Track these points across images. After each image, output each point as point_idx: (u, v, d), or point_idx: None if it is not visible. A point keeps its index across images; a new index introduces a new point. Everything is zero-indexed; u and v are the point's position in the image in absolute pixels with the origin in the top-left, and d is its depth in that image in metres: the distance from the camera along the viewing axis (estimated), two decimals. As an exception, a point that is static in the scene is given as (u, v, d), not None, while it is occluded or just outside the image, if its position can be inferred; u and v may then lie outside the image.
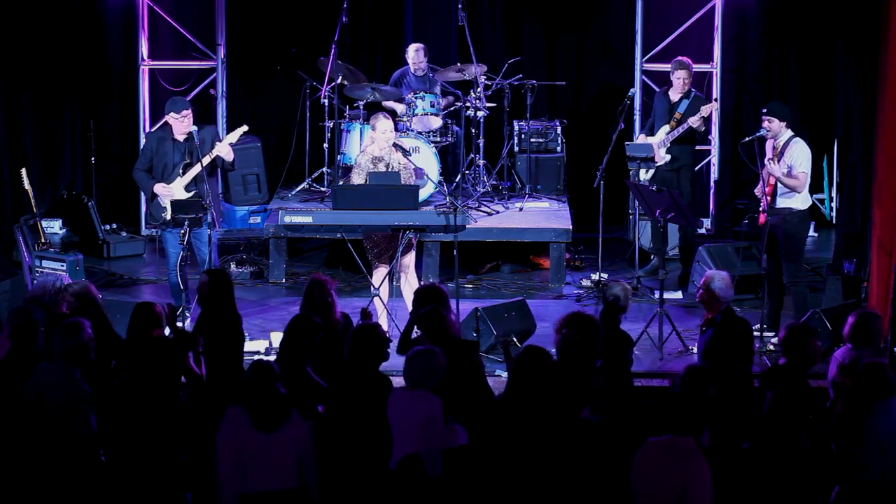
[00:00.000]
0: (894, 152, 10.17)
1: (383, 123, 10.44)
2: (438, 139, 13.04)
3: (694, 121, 11.92)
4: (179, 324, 9.87)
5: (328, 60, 12.82)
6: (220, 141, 10.74)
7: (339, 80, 12.94)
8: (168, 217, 10.55)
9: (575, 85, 14.57)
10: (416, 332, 8.36)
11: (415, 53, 13.33)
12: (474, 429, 7.20)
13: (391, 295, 10.52)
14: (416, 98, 12.97)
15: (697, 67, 12.87)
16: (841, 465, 7.10)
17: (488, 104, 13.15)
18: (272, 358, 8.22)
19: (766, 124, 10.34)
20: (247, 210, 13.79)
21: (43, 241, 11.39)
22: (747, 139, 10.36)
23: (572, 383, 7.23)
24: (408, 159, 10.60)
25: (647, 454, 6.47)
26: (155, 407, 7.66)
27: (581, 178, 13.29)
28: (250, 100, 14.54)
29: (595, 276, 12.01)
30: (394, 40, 14.43)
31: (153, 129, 12.57)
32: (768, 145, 10.42)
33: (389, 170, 10.39)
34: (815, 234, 13.74)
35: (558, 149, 13.79)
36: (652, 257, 12.46)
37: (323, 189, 13.17)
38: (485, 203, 12.96)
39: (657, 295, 10.47)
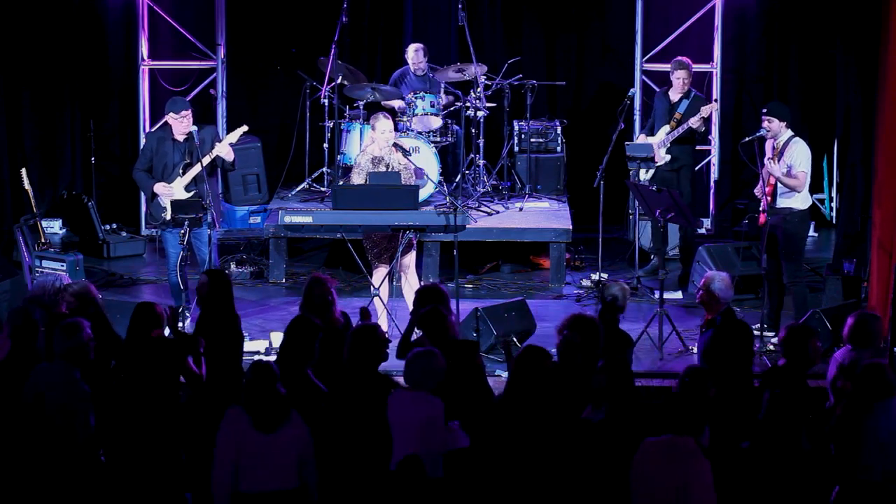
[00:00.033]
0: (894, 152, 10.17)
1: (383, 123, 10.44)
2: (438, 139, 13.04)
3: (694, 121, 11.92)
4: (180, 324, 9.88)
5: (328, 60, 12.82)
6: (220, 141, 10.75)
7: (339, 80, 12.94)
8: (168, 217, 10.55)
9: (575, 85, 14.57)
10: (416, 333, 8.36)
11: (414, 54, 13.33)
12: (475, 429, 7.20)
13: (391, 295, 10.52)
14: (416, 98, 12.97)
15: (697, 67, 12.87)
16: (841, 465, 7.10)
17: (488, 104, 13.15)
18: (272, 358, 8.22)
19: (765, 124, 10.34)
20: (247, 210, 13.79)
21: (43, 241, 11.39)
22: (747, 139, 10.36)
23: (573, 384, 7.23)
24: (408, 159, 10.60)
25: (646, 454, 6.47)
26: (155, 407, 7.66)
27: (581, 178, 13.29)
28: (250, 100, 14.54)
29: (595, 276, 12.01)
30: (394, 40, 14.43)
31: (153, 129, 12.57)
32: (768, 145, 10.42)
33: (389, 170, 10.38)
34: (815, 234, 13.73)
35: (558, 149, 13.79)
36: (652, 257, 12.45)
37: (323, 189, 13.17)
38: (485, 203, 12.96)
39: (657, 295, 10.47)
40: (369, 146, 10.61)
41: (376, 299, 10.19)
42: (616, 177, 12.31)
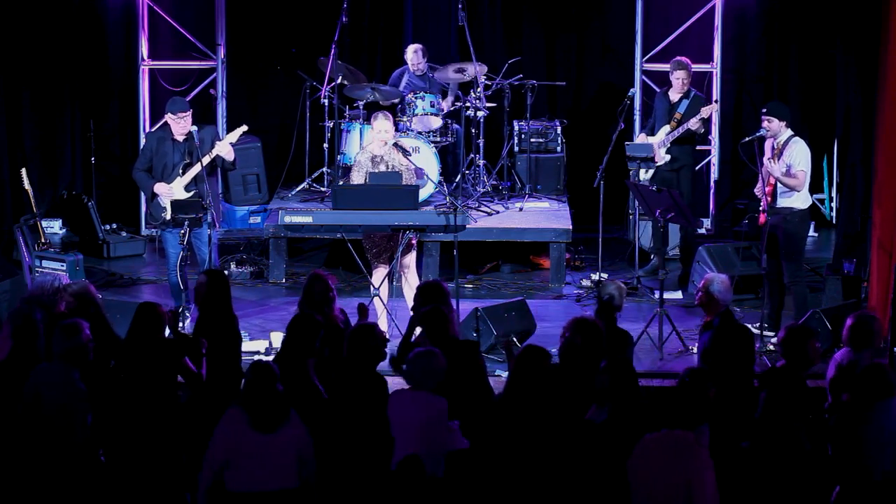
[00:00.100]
0: (894, 152, 10.17)
1: (380, 123, 10.43)
2: (438, 139, 13.04)
3: (693, 123, 11.92)
4: (179, 324, 9.87)
5: (328, 60, 12.82)
6: (220, 140, 10.74)
7: (339, 80, 12.94)
8: (168, 217, 10.55)
9: (575, 85, 14.57)
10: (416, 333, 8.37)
11: (413, 54, 13.33)
12: (475, 429, 7.20)
13: (391, 295, 10.52)
14: (416, 98, 12.97)
15: (697, 67, 12.87)
16: (841, 466, 7.10)
17: (488, 104, 13.15)
18: (272, 358, 8.22)
19: (765, 124, 10.34)
20: (247, 210, 13.79)
21: (43, 241, 11.39)
22: (747, 139, 10.36)
23: (575, 386, 7.23)
24: (408, 159, 10.60)
25: (644, 450, 6.47)
26: (154, 407, 7.66)
27: (581, 178, 13.29)
28: (250, 100, 14.54)
29: (595, 276, 12.01)
30: (394, 40, 14.43)
31: (153, 129, 12.57)
32: (767, 144, 10.42)
33: (389, 169, 10.38)
34: (815, 234, 13.73)
35: (558, 149, 13.79)
36: (652, 257, 12.46)
37: (323, 189, 13.17)
38: (485, 203, 12.96)
39: (657, 295, 10.47)
40: (369, 145, 10.62)
41: (376, 299, 10.19)
42: (616, 177, 12.31)
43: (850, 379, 7.31)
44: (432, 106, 12.97)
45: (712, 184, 14.09)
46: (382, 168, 10.40)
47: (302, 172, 13.53)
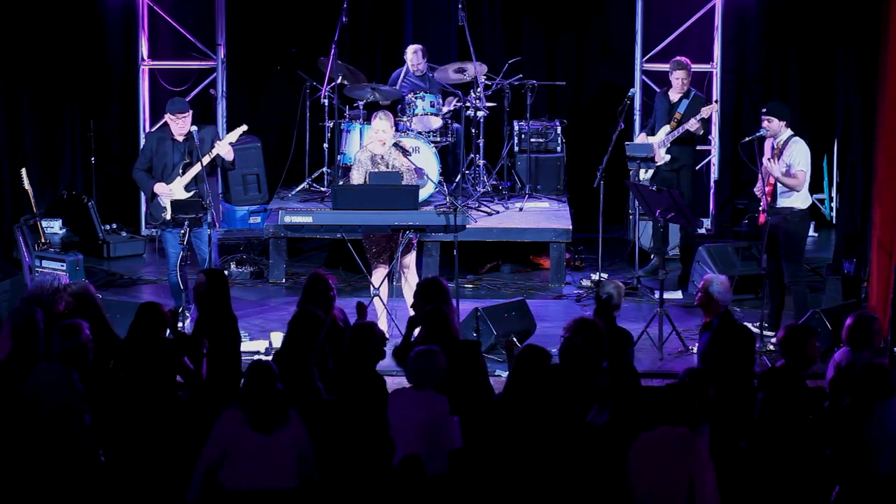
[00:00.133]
0: (894, 152, 10.17)
1: (378, 123, 10.43)
2: (438, 139, 13.04)
3: (692, 124, 11.91)
4: (179, 324, 9.88)
5: (328, 60, 12.82)
6: (220, 140, 10.74)
7: (339, 80, 12.94)
8: (168, 217, 10.55)
9: (575, 85, 14.57)
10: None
11: (413, 55, 13.33)
12: (475, 428, 7.20)
13: (391, 295, 10.52)
14: (416, 98, 12.97)
15: (697, 67, 12.86)
16: (841, 465, 7.10)
17: (488, 104, 13.15)
18: (272, 357, 8.22)
19: (765, 124, 10.34)
20: (247, 210, 13.79)
21: (43, 241, 11.39)
22: (747, 139, 10.36)
23: (575, 387, 7.23)
24: (408, 159, 10.60)
25: (642, 447, 6.47)
26: (154, 407, 7.66)
27: (581, 178, 13.29)
28: (250, 100, 14.54)
29: (595, 276, 12.01)
30: (394, 40, 14.43)
31: (153, 129, 12.57)
32: (767, 144, 10.43)
33: (389, 169, 10.38)
34: (815, 234, 13.73)
35: (558, 149, 13.79)
36: (652, 257, 12.46)
37: (323, 189, 13.17)
38: (485, 203, 12.96)
39: (657, 295, 10.47)
40: (370, 144, 10.62)
41: (376, 299, 10.19)
42: (616, 177, 12.31)
43: (850, 379, 7.31)
44: (432, 106, 12.97)
45: (712, 184, 14.09)
46: (382, 168, 10.40)
47: (302, 172, 13.53)
